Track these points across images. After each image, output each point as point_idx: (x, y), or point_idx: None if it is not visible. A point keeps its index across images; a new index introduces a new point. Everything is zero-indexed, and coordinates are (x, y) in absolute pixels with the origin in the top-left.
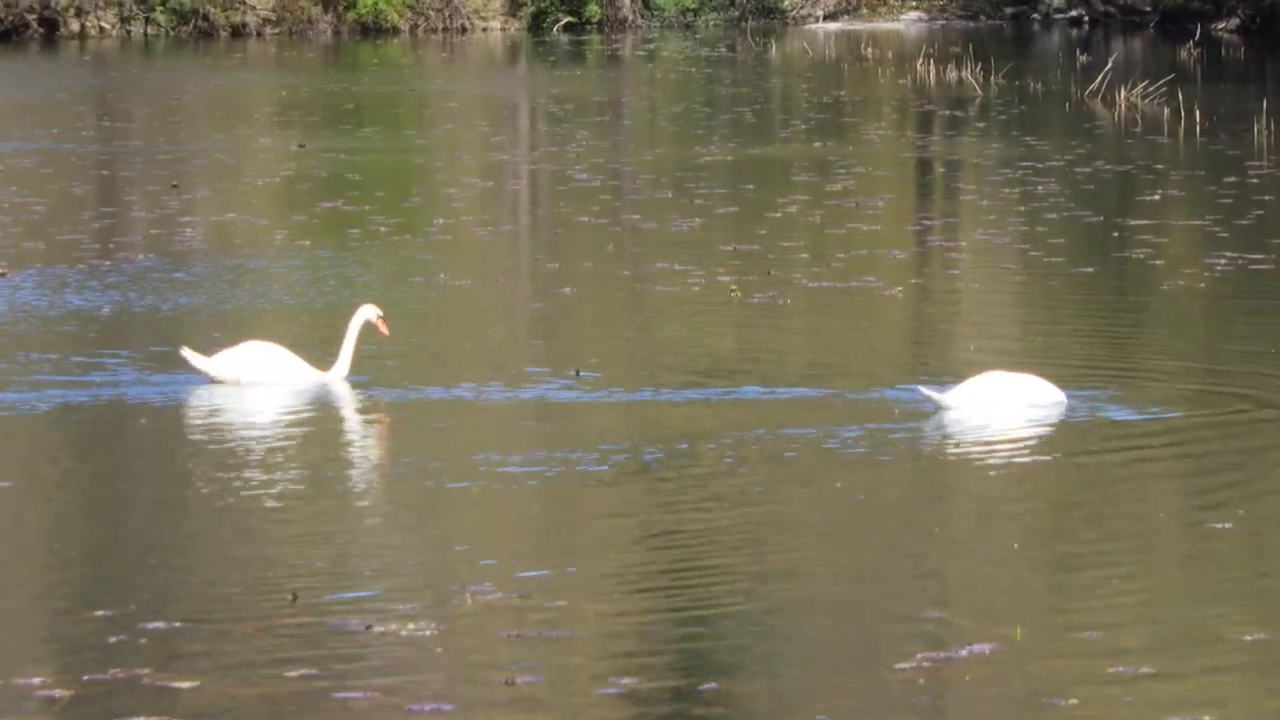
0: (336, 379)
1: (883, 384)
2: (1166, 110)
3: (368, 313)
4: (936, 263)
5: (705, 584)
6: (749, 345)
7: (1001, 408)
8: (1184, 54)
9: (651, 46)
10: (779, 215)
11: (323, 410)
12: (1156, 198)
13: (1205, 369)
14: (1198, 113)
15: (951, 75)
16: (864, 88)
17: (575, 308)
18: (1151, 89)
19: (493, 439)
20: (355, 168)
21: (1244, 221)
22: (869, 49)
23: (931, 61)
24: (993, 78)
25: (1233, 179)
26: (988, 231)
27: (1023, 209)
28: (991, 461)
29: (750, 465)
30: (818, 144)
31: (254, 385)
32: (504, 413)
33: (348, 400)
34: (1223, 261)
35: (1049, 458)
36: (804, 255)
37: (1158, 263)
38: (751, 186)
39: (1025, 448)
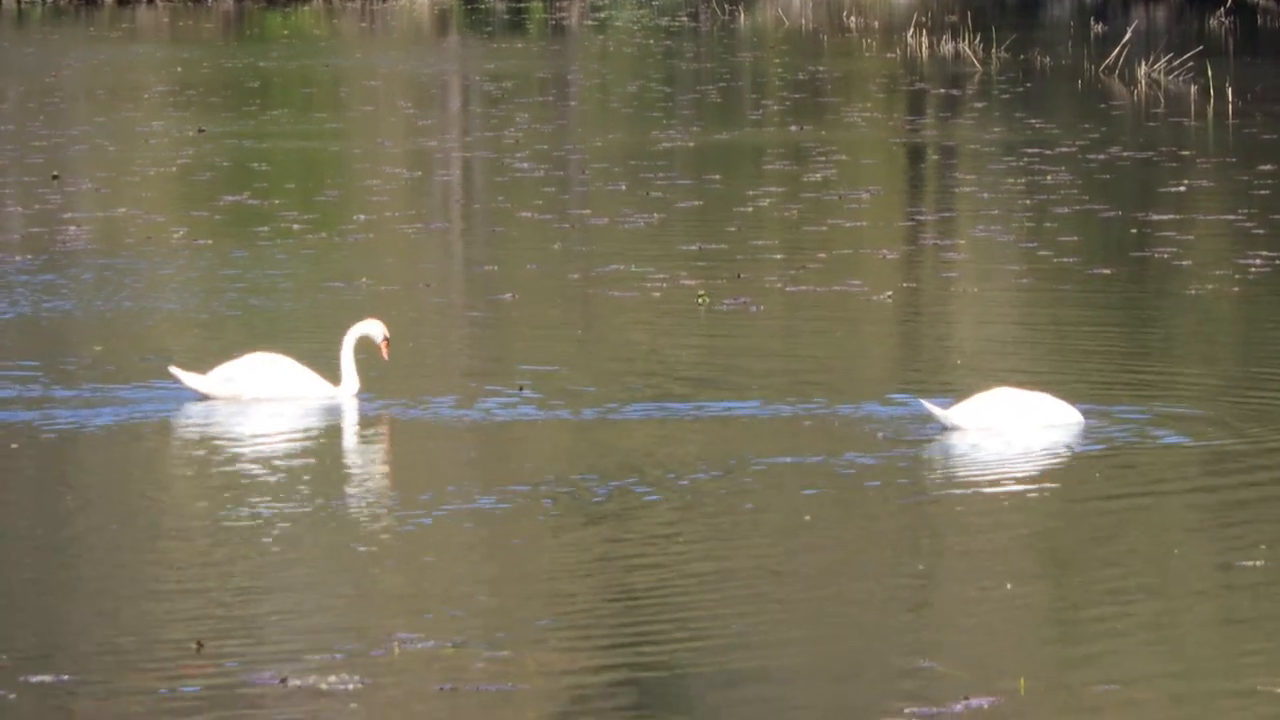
0: (346, 395)
1: (870, 401)
2: (1194, 88)
3: (370, 328)
4: (930, 264)
5: (663, 632)
6: (716, 358)
7: (1010, 429)
8: (1214, 23)
9: (602, 15)
10: (750, 210)
11: (243, 438)
12: (1182, 189)
13: (1237, 385)
14: (1229, 91)
15: (947, 48)
16: (846, 62)
17: (517, 316)
18: (1176, 63)
19: (426, 466)
20: (262, 156)
21: None
22: (852, 18)
23: (924, 32)
24: (994, 51)
25: (1269, 167)
26: (989, 228)
27: (1029, 202)
28: (995, 491)
29: (717, 496)
30: (793, 128)
31: (255, 401)
32: (438, 436)
33: (312, 421)
34: (1258, 262)
35: (1060, 487)
36: (779, 256)
37: (1184, 263)
38: (718, 177)
39: (1034, 475)
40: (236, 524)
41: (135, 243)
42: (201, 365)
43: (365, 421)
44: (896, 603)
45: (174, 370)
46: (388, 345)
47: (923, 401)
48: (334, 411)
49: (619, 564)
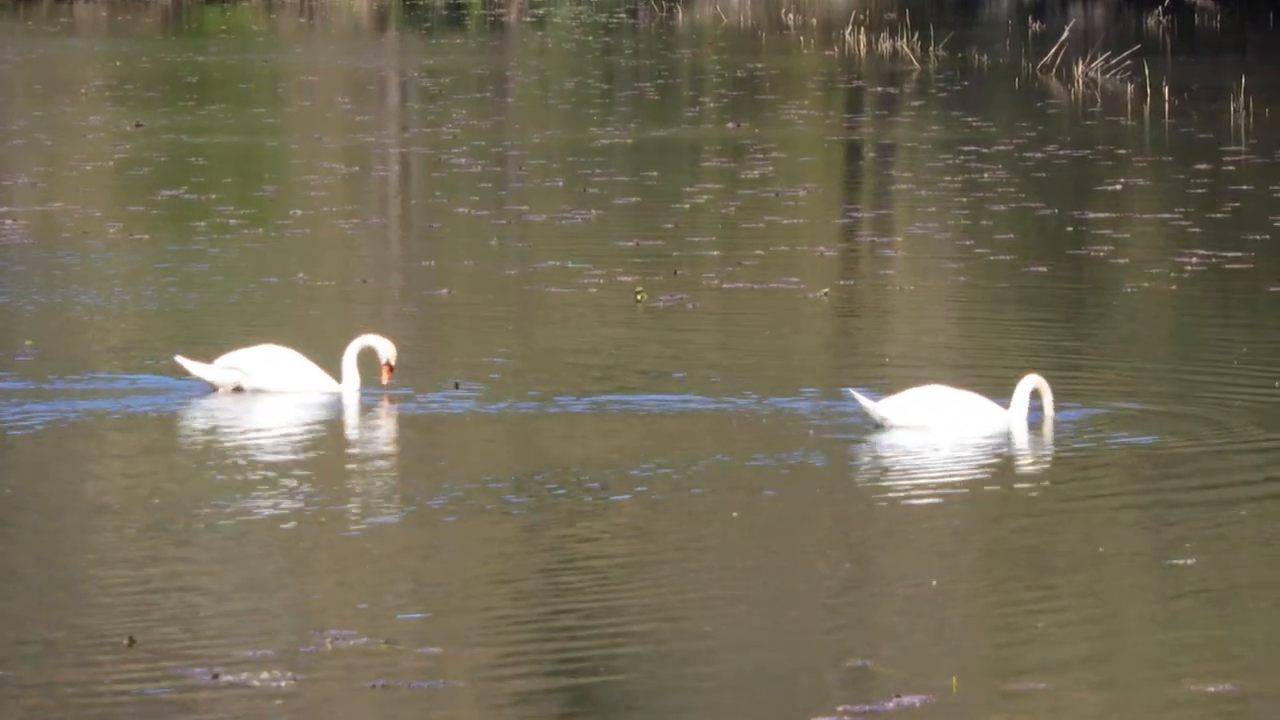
0: (350, 391)
1: (805, 399)
2: (1131, 87)
3: (380, 345)
4: (867, 261)
5: (596, 629)
6: (652, 354)
7: (940, 427)
8: (1151, 22)
9: (541, 12)
10: (687, 206)
11: (185, 432)
12: (1118, 187)
13: (1172, 384)
14: (1166, 90)
15: (885, 46)
16: (784, 60)
17: (454, 312)
18: (1114, 62)
19: (360, 461)
20: (200, 151)
21: (1218, 215)
22: (791, 15)
23: (862, 30)
24: (932, 49)
25: (1205, 166)
26: (926, 225)
27: (966, 200)
28: (925, 489)
29: (652, 492)
30: (731, 125)
31: (259, 393)
32: (373, 430)
33: (273, 415)
34: (1194, 260)
35: (990, 485)
36: (716, 252)
37: (1120, 261)
38: (655, 173)
39: (965, 474)
40: (171, 519)
41: (72, 237)
42: (133, 359)
43: (287, 422)
44: (828, 602)
45: (180, 359)
46: (390, 371)
47: (853, 393)
48: (314, 408)
49: (553, 561)
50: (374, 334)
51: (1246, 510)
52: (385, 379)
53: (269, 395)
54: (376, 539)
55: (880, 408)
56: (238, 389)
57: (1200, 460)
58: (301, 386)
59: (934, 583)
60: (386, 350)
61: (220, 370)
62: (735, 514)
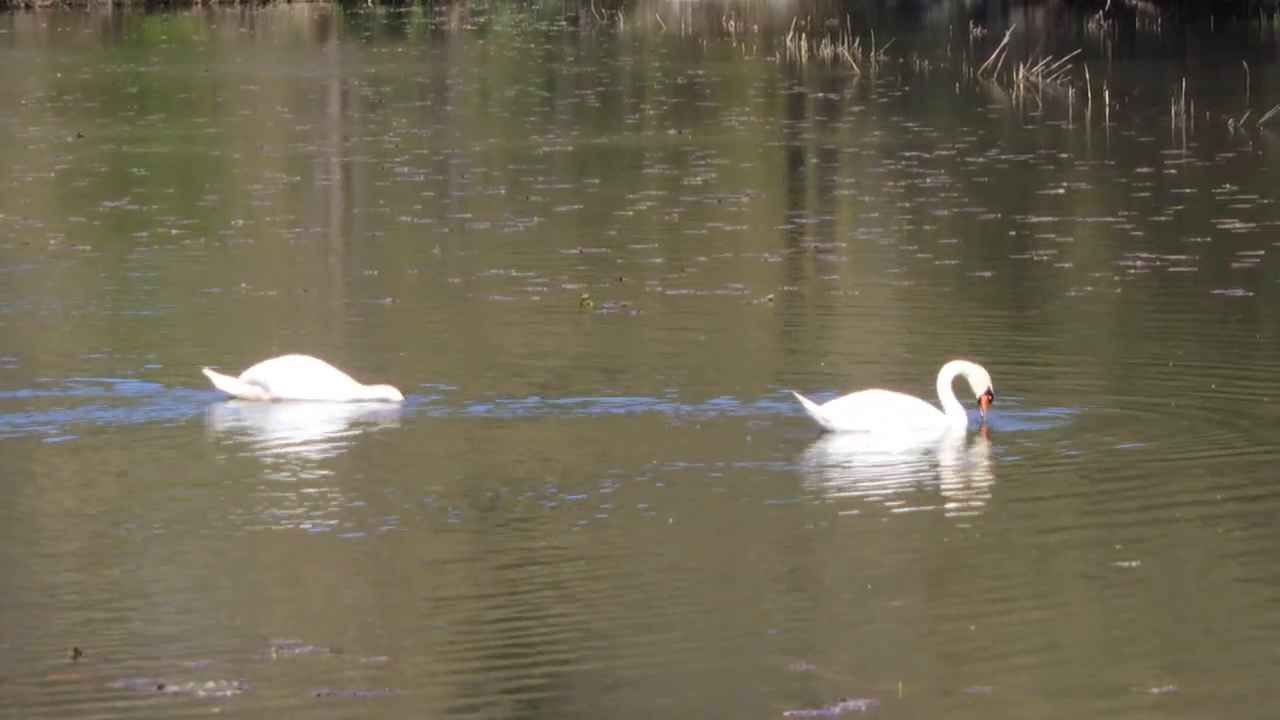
0: (386, 397)
1: (748, 404)
2: (1072, 91)
3: (389, 395)
4: (811, 267)
5: (542, 638)
6: (596, 362)
7: (882, 431)
8: (1092, 26)
9: (482, 20)
10: (630, 214)
11: (135, 441)
12: (1061, 191)
13: (1116, 389)
14: (1107, 94)
15: (826, 52)
16: (726, 66)
17: (397, 321)
18: (1055, 66)
19: (304, 471)
20: (141, 161)
21: (1161, 218)
22: (732, 22)
23: (803, 36)
24: (873, 54)
25: (1147, 169)
26: (869, 231)
27: (908, 205)
28: (869, 493)
29: (597, 501)
30: (673, 131)
31: (287, 402)
32: (318, 440)
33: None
34: (1138, 264)
35: (934, 490)
36: (659, 259)
37: (1063, 265)
38: (597, 181)
39: (908, 478)
40: (120, 531)
41: (12, 249)
42: (71, 368)
43: (234, 432)
44: (772, 606)
45: (207, 372)
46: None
47: (797, 395)
48: (208, 424)
49: (498, 569)
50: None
51: (1189, 513)
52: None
53: (297, 405)
54: (324, 548)
55: (823, 411)
56: (274, 399)
57: (1142, 463)
58: (327, 395)
59: (869, 586)
60: (394, 394)
61: (244, 384)
62: (671, 520)
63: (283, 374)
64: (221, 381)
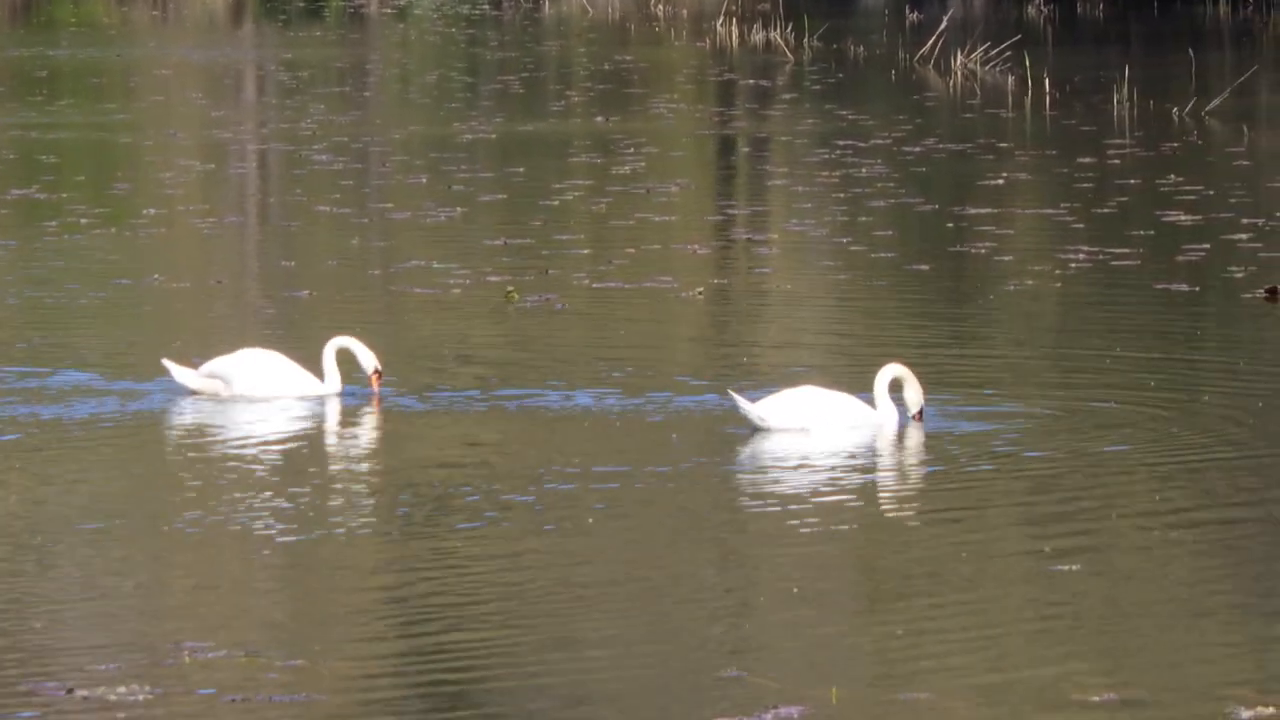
0: (330, 391)
1: (677, 400)
2: (1011, 78)
3: (362, 354)
4: (742, 259)
5: (465, 643)
6: (522, 357)
7: (815, 428)
8: (1032, 11)
9: (402, 3)
10: (556, 203)
11: (50, 439)
12: (1000, 182)
13: (1057, 385)
14: (1048, 81)
15: (758, 37)
16: (654, 52)
17: (315, 314)
18: (993, 53)
19: (218, 468)
20: (50, 147)
21: (1103, 210)
22: (660, 6)
23: (734, 21)
24: (806, 40)
25: (1089, 159)
26: (802, 222)
27: (842, 195)
28: (799, 495)
29: (520, 501)
30: (599, 119)
31: (242, 398)
32: (231, 436)
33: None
34: (1080, 256)
35: (868, 490)
36: (586, 251)
37: (1003, 258)
38: (522, 170)
39: (841, 479)
40: (34, 528)
41: None
42: None
43: (148, 428)
44: (702, 612)
45: (166, 362)
46: (378, 378)
47: (731, 393)
48: (119, 418)
49: (419, 572)
50: (349, 339)
51: (1126, 513)
52: (375, 386)
53: (257, 400)
54: (240, 548)
55: (757, 409)
56: (233, 396)
57: (1079, 463)
58: (287, 391)
59: (795, 590)
60: (369, 360)
61: (203, 378)
62: (590, 520)
63: (244, 369)
64: (179, 373)
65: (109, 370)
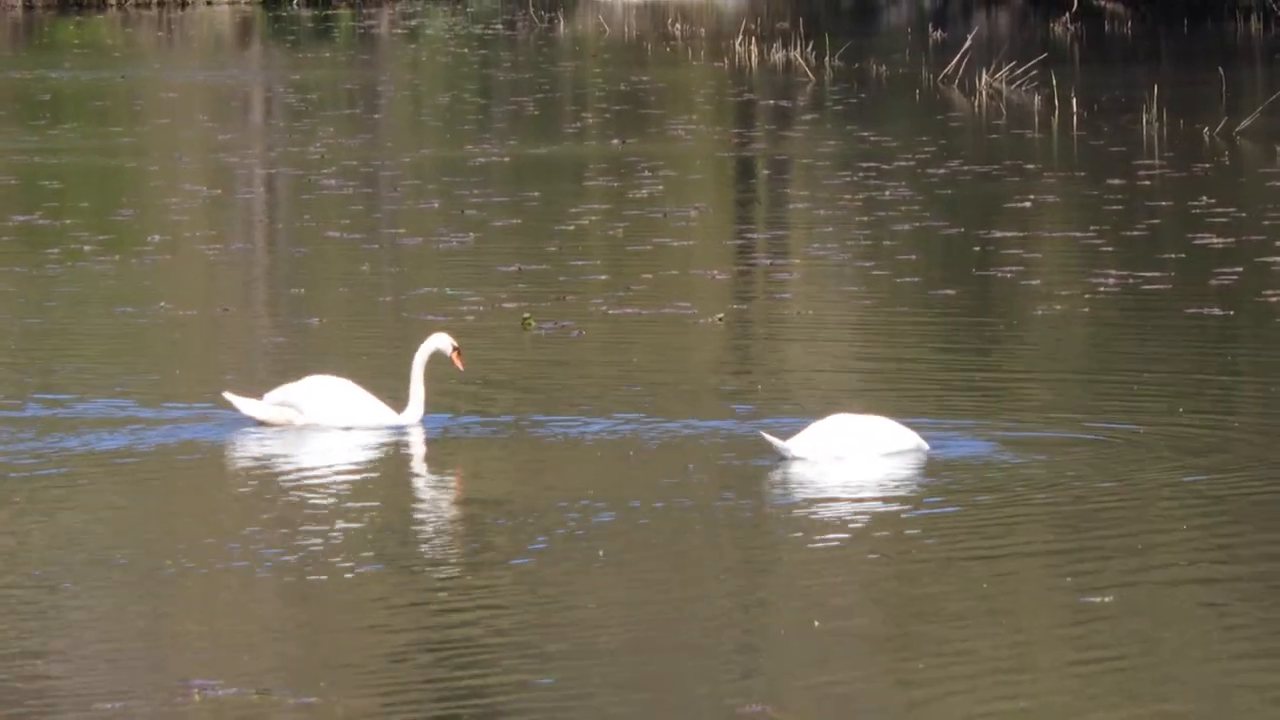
0: (412, 421)
1: (698, 428)
2: (1038, 98)
3: (439, 342)
4: (763, 285)
5: (475, 677)
6: (539, 385)
7: (851, 457)
8: (1058, 29)
9: (413, 23)
10: (571, 228)
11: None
12: (1027, 204)
13: (1086, 412)
14: (1075, 101)
15: (778, 56)
16: (671, 72)
17: (324, 342)
18: (1019, 72)
19: (232, 502)
20: (53, 173)
21: (1133, 233)
22: (678, 25)
23: (753, 40)
24: (828, 59)
25: (1118, 181)
26: (824, 246)
27: (865, 219)
28: (821, 524)
29: (535, 533)
30: (616, 141)
31: (314, 427)
32: (242, 470)
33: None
34: (1109, 281)
35: (898, 517)
36: (603, 276)
37: (1030, 283)
38: (537, 194)
39: (870, 505)
40: (48, 563)
41: None
42: None
43: (153, 461)
44: (724, 644)
45: (228, 395)
46: (460, 355)
47: (763, 434)
48: (120, 453)
49: (432, 608)
50: (429, 339)
51: (1155, 543)
52: (459, 364)
53: (321, 431)
54: (246, 584)
55: (791, 446)
56: (305, 425)
57: (1110, 492)
58: (357, 420)
59: (816, 624)
60: (446, 343)
61: (272, 407)
62: (601, 552)
63: (316, 397)
64: (244, 405)
65: (115, 400)
